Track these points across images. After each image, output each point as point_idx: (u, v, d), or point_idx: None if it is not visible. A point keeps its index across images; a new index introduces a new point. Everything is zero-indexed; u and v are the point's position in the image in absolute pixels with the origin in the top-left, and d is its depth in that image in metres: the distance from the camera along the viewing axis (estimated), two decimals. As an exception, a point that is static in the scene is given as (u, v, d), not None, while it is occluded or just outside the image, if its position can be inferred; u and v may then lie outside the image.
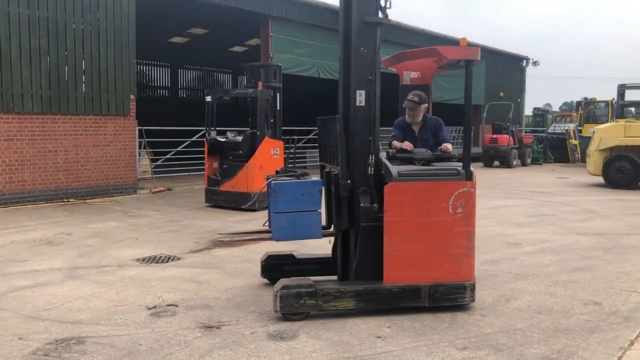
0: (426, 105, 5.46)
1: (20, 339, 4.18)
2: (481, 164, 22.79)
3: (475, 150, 24.41)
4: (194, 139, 15.54)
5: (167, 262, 6.62)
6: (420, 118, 5.47)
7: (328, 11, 17.45)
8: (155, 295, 5.25)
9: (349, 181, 4.78)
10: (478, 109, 25.46)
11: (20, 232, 8.23)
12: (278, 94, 11.03)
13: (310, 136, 18.99)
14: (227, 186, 10.53)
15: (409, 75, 5.78)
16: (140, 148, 14.01)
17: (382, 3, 4.80)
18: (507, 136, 22.16)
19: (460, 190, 4.70)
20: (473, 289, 4.84)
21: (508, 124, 22.72)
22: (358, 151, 4.86)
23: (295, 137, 7.28)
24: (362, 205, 4.79)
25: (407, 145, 5.10)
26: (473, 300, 4.88)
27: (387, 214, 4.64)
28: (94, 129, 11.93)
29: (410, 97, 5.40)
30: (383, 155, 5.05)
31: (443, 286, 4.74)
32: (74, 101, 11.52)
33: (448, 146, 5.14)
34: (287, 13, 16.24)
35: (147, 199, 12.05)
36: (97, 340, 4.16)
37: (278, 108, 11.03)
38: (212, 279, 5.85)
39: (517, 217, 10.01)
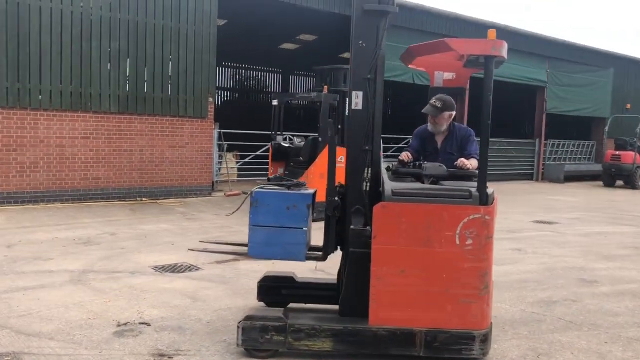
0: (452, 113, 4.56)
1: (-37, 348, 3.93)
2: (600, 183, 20.47)
3: (595, 167, 22.06)
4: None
5: (182, 272, 6.24)
6: (445, 127, 4.59)
7: (426, 14, 16.48)
8: (137, 311, 4.83)
9: (336, 198, 4.05)
10: (602, 122, 22.98)
11: (69, 230, 8.31)
12: (347, 99, 10.37)
13: (400, 145, 18.06)
14: (287, 194, 10.04)
15: (442, 77, 4.89)
16: (221, 151, 13.98)
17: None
18: (633, 153, 19.68)
19: (471, 217, 3.78)
20: (485, 341, 3.88)
21: (635, 140, 20.17)
22: (353, 163, 4.10)
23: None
24: (352, 227, 4.02)
25: (402, 156, 4.27)
26: (485, 355, 3.92)
27: (376, 240, 3.84)
28: (171, 130, 12.02)
29: (432, 101, 4.55)
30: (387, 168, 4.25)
31: (444, 333, 3.83)
32: (151, 102, 11.67)
33: (465, 161, 4.21)
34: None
35: (217, 202, 11.91)
36: (34, 358, 3.79)
37: (347, 114, 10.37)
38: (212, 297, 5.35)
39: (610, 247, 8.52)
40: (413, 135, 4.79)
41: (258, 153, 14.91)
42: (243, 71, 28.88)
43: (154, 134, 11.80)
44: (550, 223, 10.79)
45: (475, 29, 17.53)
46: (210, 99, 12.52)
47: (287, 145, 10.38)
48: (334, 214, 4.06)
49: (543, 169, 21.70)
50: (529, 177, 21.66)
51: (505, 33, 18.46)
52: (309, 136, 11.09)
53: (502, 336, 4.56)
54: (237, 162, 15.70)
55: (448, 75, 4.87)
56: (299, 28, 21.97)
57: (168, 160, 12.02)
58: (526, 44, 19.47)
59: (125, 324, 4.50)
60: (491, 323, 4.03)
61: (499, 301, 5.50)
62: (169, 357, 3.89)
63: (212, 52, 12.43)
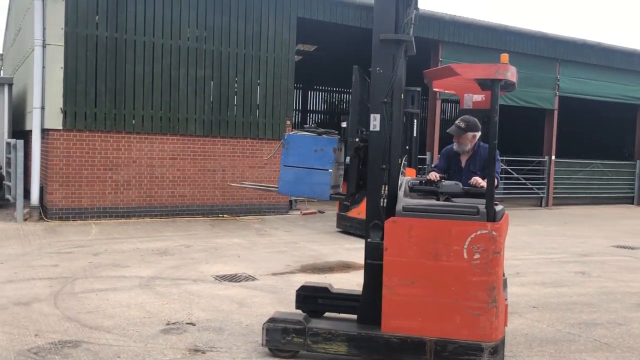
0: (475, 133, 4.76)
1: (36, 335, 4.63)
2: None
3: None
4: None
5: (239, 281, 6.76)
6: (469, 147, 4.78)
7: (504, 32, 16.29)
8: (187, 313, 5.38)
9: (357, 139, 4.34)
10: None
11: (151, 241, 9.15)
12: (415, 120, 10.64)
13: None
14: (354, 212, 10.40)
15: (471, 99, 5.09)
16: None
17: (403, 20, 4.33)
18: None
19: (478, 233, 3.96)
20: (494, 353, 4.00)
21: None
22: (372, 180, 4.41)
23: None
24: (369, 240, 4.33)
25: (431, 175, 4.49)
26: (494, 366, 4.04)
27: (387, 252, 4.12)
28: (251, 151, 12.79)
29: (457, 121, 4.78)
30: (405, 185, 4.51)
31: (453, 343, 4.02)
32: (233, 125, 12.51)
33: (479, 180, 4.39)
34: (459, 37, 15.57)
35: (292, 220, 12.47)
36: (90, 346, 4.41)
37: (415, 135, 10.62)
38: (258, 303, 5.80)
39: (686, 274, 8.06)
40: (440, 154, 5.01)
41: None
42: (334, 94, 29.68)
43: (235, 155, 12.62)
44: (631, 248, 10.30)
45: (565, 47, 17.05)
46: (288, 122, 13.18)
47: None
48: (356, 154, 4.36)
49: (644, 191, 20.41)
50: (628, 200, 20.46)
51: (596, 50, 17.82)
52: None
53: (526, 352, 4.62)
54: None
55: (477, 97, 5.06)
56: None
57: (248, 180, 12.77)
58: (622, 60, 18.62)
59: (174, 323, 5.04)
60: (503, 336, 4.15)
61: (537, 320, 5.52)
62: (202, 352, 4.37)
63: (290, 77, 13.12)
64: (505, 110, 14.27)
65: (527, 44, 16.65)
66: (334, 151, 4.38)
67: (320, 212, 13.80)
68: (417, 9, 4.40)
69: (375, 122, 4.36)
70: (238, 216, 12.49)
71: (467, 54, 15.52)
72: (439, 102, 16.15)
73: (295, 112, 30.46)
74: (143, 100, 11.56)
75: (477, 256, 3.97)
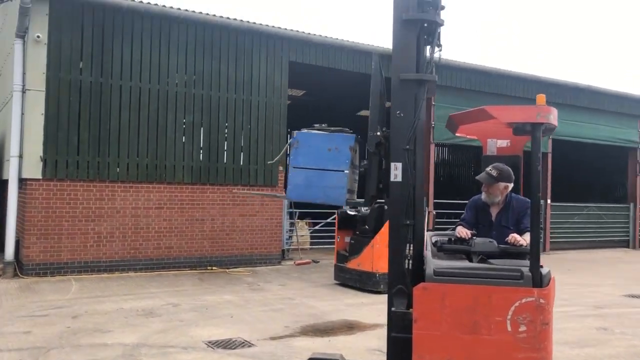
0: (508, 184, 4.23)
1: None
2: None
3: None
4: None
5: (234, 348, 6.07)
6: (500, 198, 4.26)
7: (497, 76, 16.12)
8: (178, 390, 4.69)
9: (377, 133, 3.83)
10: None
11: (136, 299, 8.43)
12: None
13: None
14: (353, 263, 9.78)
15: (495, 144, 4.61)
16: (292, 218, 13.99)
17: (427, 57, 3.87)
18: None
19: (523, 301, 3.40)
20: None
21: None
22: (393, 239, 3.86)
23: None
24: (393, 309, 3.73)
25: (461, 232, 3.94)
26: None
27: (417, 325, 3.53)
28: (242, 199, 12.20)
29: (489, 169, 4.25)
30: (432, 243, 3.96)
31: None
32: (223, 172, 11.96)
33: (517, 237, 3.84)
34: (452, 81, 15.32)
35: (285, 271, 11.79)
36: None
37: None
38: (258, 376, 5.12)
39: None
40: (466, 206, 4.48)
41: (329, 220, 14.79)
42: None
43: (225, 203, 12.01)
44: (644, 297, 9.78)
45: (556, 90, 16.92)
46: (280, 167, 12.66)
47: (353, 213, 10.19)
48: (377, 151, 3.80)
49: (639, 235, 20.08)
50: (624, 244, 20.06)
51: (586, 92, 17.74)
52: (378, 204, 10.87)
53: None
54: (309, 230, 15.64)
55: (502, 143, 4.58)
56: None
57: (238, 229, 12.14)
58: (613, 103, 18.56)
59: (163, 406, 4.35)
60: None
61: (574, 391, 4.90)
62: None
63: (282, 122, 12.68)
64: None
65: (519, 86, 16.48)
66: (351, 150, 3.85)
67: (314, 261, 13.14)
68: (439, 45, 3.95)
69: (396, 171, 3.84)
70: (228, 268, 11.79)
71: (459, 97, 15.27)
72: (432, 146, 15.80)
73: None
74: (128, 147, 10.99)
75: (522, 328, 3.40)
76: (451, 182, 24.93)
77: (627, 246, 19.99)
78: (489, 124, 4.21)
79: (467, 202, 4.54)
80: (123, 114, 10.91)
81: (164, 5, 11.21)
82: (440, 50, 3.94)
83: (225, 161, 12.00)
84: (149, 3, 11.09)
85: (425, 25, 3.88)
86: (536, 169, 3.47)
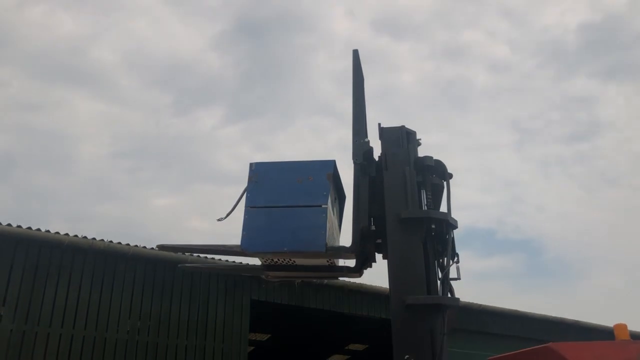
0: None
1: None
2: None
3: None
4: None
5: None
6: None
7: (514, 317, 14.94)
8: None
9: (366, 139, 2.94)
10: None
11: None
12: None
13: None
14: None
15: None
16: None
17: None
18: None
19: None
20: None
21: None
22: None
23: None
24: None
25: None
26: None
27: None
28: None
29: None
30: None
31: None
32: None
33: None
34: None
35: None
36: None
37: None
38: None
39: None
40: None
41: None
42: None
43: None
44: None
45: (554, 327, 15.62)
46: None
47: None
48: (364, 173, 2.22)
49: None
50: None
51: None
52: None
53: None
54: None
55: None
56: (349, 337, 20.57)
57: None
58: None
59: None
60: None
61: None
62: None
63: (242, 374, 10.78)
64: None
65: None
66: (328, 178, 2.39)
67: None
68: (457, 261, 2.76)
69: None
70: None
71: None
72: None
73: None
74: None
75: None
76: None
77: None
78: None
79: None
80: (47, 369, 8.97)
81: (110, 241, 10.10)
82: (459, 264, 2.71)
83: None
84: (93, 239, 9.96)
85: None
86: None
